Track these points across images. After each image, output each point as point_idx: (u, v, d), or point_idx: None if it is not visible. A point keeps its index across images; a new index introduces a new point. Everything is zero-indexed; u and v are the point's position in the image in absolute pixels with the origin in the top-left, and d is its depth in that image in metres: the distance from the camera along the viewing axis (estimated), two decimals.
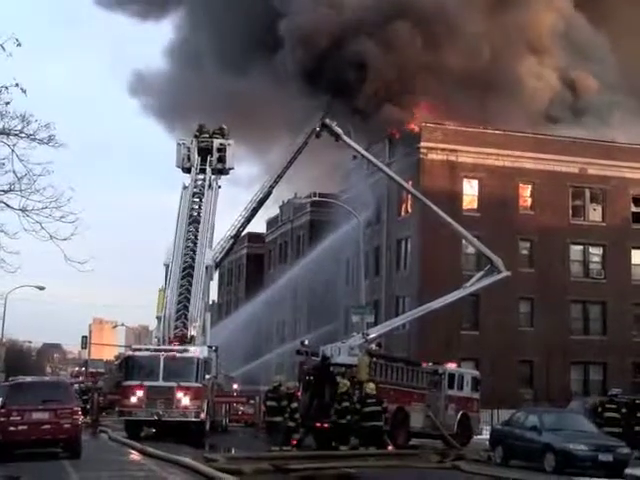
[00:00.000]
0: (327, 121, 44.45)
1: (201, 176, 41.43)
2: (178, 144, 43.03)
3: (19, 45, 17.81)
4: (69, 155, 22.83)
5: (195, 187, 40.94)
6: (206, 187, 40.65)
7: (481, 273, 40.44)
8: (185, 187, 40.97)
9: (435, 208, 41.95)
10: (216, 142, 42.31)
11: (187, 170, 42.07)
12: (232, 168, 43.17)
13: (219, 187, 41.97)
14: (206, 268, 37.27)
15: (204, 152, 42.10)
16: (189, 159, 42.00)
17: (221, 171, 42.36)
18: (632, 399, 33.96)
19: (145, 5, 72.37)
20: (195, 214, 39.62)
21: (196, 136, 42.59)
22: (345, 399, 28.88)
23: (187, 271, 36.95)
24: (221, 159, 42.16)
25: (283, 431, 28.81)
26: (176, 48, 72.24)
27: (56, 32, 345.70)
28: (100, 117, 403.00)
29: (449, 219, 42.64)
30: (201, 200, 40.17)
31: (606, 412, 31.33)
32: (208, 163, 41.68)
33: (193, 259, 37.29)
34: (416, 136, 55.91)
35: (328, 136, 44.26)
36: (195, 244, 37.96)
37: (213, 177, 41.45)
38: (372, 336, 35.86)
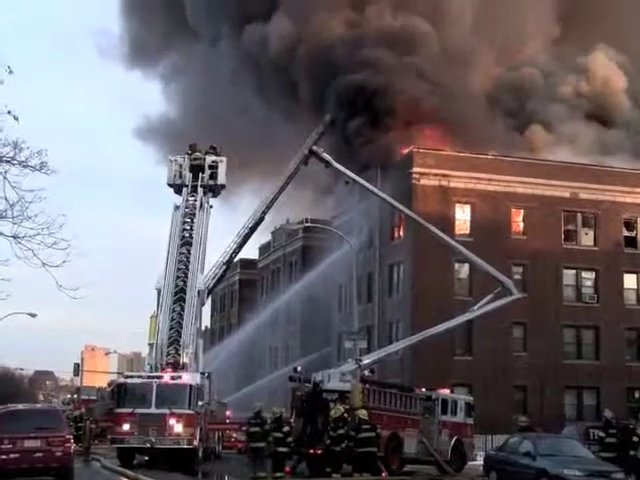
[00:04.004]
0: (314, 148, 44.55)
1: (192, 196, 41.17)
2: (170, 160, 42.77)
3: (11, 72, 17.81)
4: (62, 182, 22.78)
5: (187, 207, 40.63)
6: (197, 207, 40.39)
7: (490, 296, 40.12)
8: (176, 207, 40.74)
9: (438, 232, 41.92)
10: (208, 159, 42.13)
11: (178, 189, 41.84)
12: (224, 186, 42.92)
13: (211, 207, 41.74)
14: (198, 292, 37.08)
15: (196, 169, 41.92)
16: (180, 176, 41.81)
17: (213, 188, 42.12)
18: (626, 424, 33.87)
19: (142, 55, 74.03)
20: (187, 235, 39.31)
21: (188, 154, 42.46)
22: (340, 426, 28.73)
23: (179, 295, 36.73)
24: (213, 176, 41.98)
25: (268, 456, 28.61)
26: (175, 89, 73.83)
27: (56, 59, 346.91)
28: (96, 144, 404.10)
29: (453, 242, 42.83)
30: (192, 221, 39.84)
31: (607, 437, 31.08)
32: (200, 180, 41.47)
33: (185, 282, 37.05)
34: (408, 162, 56.02)
35: (319, 162, 44.39)
36: (187, 267, 37.68)
37: (205, 196, 41.22)
38: (365, 362, 35.70)
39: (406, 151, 56.95)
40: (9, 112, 17.92)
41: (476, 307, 40.28)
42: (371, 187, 45.72)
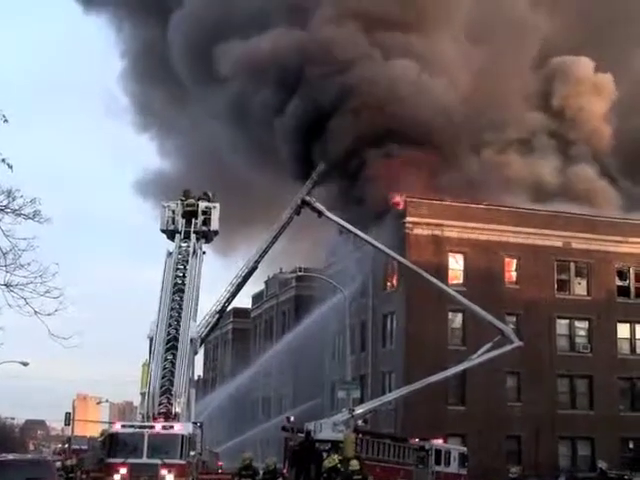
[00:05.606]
0: (307, 198, 44.64)
1: (185, 242, 41.11)
2: (163, 206, 42.78)
3: (6, 121, 17.89)
4: (56, 229, 22.79)
5: (179, 254, 40.48)
6: (190, 253, 40.30)
7: (489, 344, 40.14)
8: (169, 254, 40.67)
9: (438, 282, 42.09)
10: (202, 205, 42.13)
11: (171, 235, 41.83)
12: (217, 232, 42.86)
13: (204, 253, 41.68)
14: (190, 341, 36.88)
15: (189, 215, 41.96)
16: (173, 222, 41.82)
17: (206, 234, 42.10)
18: (620, 474, 33.78)
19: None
20: (179, 282, 39.10)
21: (182, 200, 42.52)
22: (333, 476, 28.52)
23: (171, 344, 36.47)
24: (206, 222, 42.02)
25: None
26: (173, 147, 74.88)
27: (56, 109, 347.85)
28: (91, 194, 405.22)
29: (453, 292, 42.91)
30: (185, 267, 39.63)
31: None
32: (193, 226, 41.47)
33: (177, 330, 36.78)
34: (401, 212, 56.17)
35: (311, 212, 44.51)
36: (179, 315, 37.39)
37: (197, 243, 41.16)
38: (358, 412, 35.59)
39: (397, 200, 57.05)
40: (3, 160, 18.01)
41: (475, 355, 40.27)
42: (366, 237, 45.82)
